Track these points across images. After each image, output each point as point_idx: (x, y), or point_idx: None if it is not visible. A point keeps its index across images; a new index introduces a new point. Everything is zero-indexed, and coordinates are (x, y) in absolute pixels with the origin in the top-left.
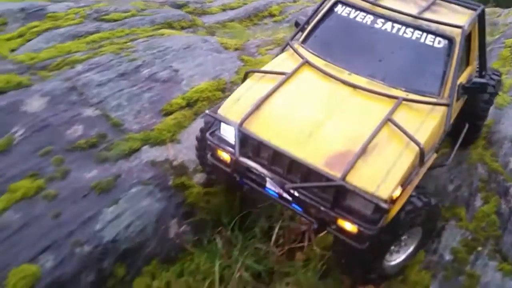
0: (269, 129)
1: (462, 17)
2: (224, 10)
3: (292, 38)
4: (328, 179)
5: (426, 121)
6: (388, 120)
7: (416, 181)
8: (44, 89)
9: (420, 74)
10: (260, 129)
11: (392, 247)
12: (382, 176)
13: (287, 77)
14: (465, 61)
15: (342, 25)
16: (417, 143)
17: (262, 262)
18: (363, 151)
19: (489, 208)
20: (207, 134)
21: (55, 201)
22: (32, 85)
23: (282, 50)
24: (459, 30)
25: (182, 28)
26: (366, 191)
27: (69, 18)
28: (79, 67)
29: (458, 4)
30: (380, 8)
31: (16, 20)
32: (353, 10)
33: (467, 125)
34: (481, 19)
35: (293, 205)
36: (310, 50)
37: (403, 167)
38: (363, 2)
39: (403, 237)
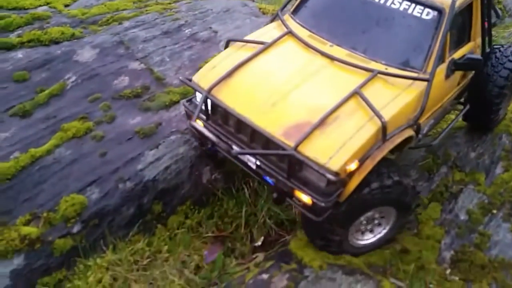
0: (236, 97)
1: None
2: None
3: (282, 8)
4: (282, 148)
5: (399, 96)
6: (356, 92)
7: (378, 157)
8: (94, 42)
9: (404, 47)
10: (228, 96)
11: (363, 226)
12: (336, 148)
13: (266, 46)
14: (465, 36)
15: None
16: (380, 117)
17: (284, 212)
18: (322, 122)
19: (509, 176)
20: (183, 101)
21: (102, 141)
22: (83, 38)
23: (272, 20)
24: (449, 1)
25: None
26: (316, 162)
27: None
28: (126, 24)
29: None
30: None
31: None
32: None
33: (467, 106)
34: None
35: (265, 177)
36: (298, 21)
37: (360, 141)
38: None
39: (375, 216)
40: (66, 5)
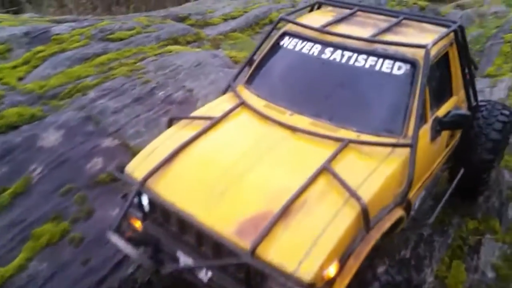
0: (177, 189)
1: (430, 36)
2: (225, 20)
3: (234, 78)
4: (235, 253)
5: (378, 169)
6: (325, 169)
7: (363, 252)
8: (58, 121)
9: (376, 109)
10: (166, 188)
11: None
12: (307, 248)
13: (214, 122)
14: (446, 90)
15: (288, 59)
16: (357, 198)
17: None
18: (285, 212)
19: None
20: (120, 196)
21: (82, 245)
22: (45, 117)
23: (225, 92)
24: (423, 51)
25: (188, 42)
26: (282, 270)
27: (74, 40)
28: (91, 94)
29: (430, 22)
30: (330, 36)
31: (20, 46)
32: (300, 41)
33: (462, 170)
34: (459, 37)
35: None
36: (253, 90)
37: (336, 234)
38: (311, 31)
39: None
40: (20, 79)
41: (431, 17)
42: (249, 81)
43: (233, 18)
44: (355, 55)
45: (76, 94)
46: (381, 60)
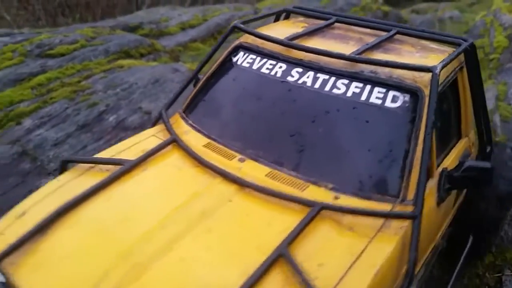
0: (48, 279)
1: (434, 57)
2: (183, 29)
3: (167, 107)
4: None
5: (365, 255)
6: (280, 255)
7: None
8: None
9: (361, 158)
10: (30, 278)
11: None
12: None
13: (125, 170)
14: (454, 131)
15: (242, 82)
16: None
17: None
18: None
19: None
20: None
21: None
22: None
23: (155, 123)
24: (428, 76)
25: (142, 55)
26: None
27: (5, 58)
28: (27, 123)
29: (433, 39)
30: (298, 52)
31: None
32: (259, 58)
33: (471, 238)
34: (470, 58)
35: None
36: (191, 122)
37: None
38: (273, 44)
39: None
40: None
41: (433, 32)
42: (189, 109)
43: (192, 26)
44: (333, 78)
45: (9, 123)
46: (368, 87)
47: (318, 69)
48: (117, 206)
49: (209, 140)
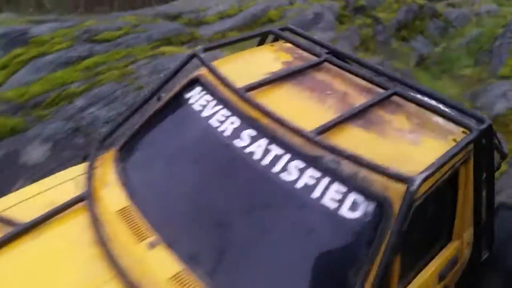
0: None
1: (429, 147)
2: (221, 18)
3: (104, 138)
4: None
5: None
6: None
7: None
8: (43, 134)
9: (300, 275)
10: None
11: None
12: None
13: (11, 235)
14: (442, 233)
15: (186, 130)
16: None
17: None
18: None
19: None
20: None
21: None
22: (28, 129)
23: (84, 159)
24: (403, 187)
25: (182, 43)
26: None
27: (55, 42)
28: (79, 102)
29: (440, 114)
30: (254, 109)
31: None
32: (214, 102)
33: None
34: (482, 147)
35: None
36: (121, 169)
37: None
38: (229, 91)
39: None
40: None
41: (442, 100)
42: (125, 148)
43: (229, 16)
44: (287, 157)
45: (62, 102)
46: (325, 180)
47: (272, 139)
48: None
49: (127, 204)
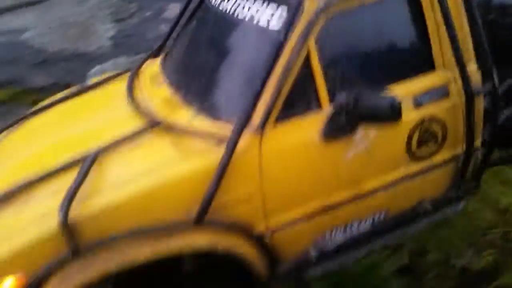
0: None
1: None
2: None
3: (159, 50)
4: None
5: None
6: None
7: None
8: None
9: (222, 81)
10: None
11: None
12: None
13: (78, 90)
14: (421, 62)
15: (203, 18)
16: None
17: None
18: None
19: None
20: None
21: None
22: None
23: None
24: None
25: None
26: None
27: None
28: None
29: None
30: None
31: None
32: None
33: None
34: None
35: None
36: (162, 61)
37: (28, 237)
38: None
39: None
40: None
41: None
42: (167, 52)
43: None
44: (243, 1)
45: None
46: (265, 5)
47: None
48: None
49: (158, 71)
